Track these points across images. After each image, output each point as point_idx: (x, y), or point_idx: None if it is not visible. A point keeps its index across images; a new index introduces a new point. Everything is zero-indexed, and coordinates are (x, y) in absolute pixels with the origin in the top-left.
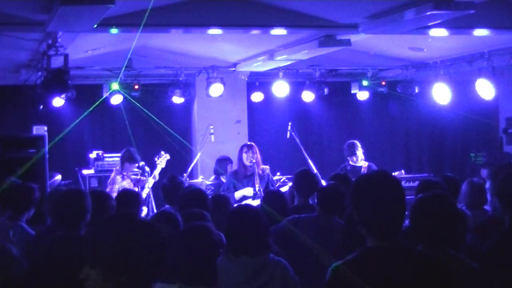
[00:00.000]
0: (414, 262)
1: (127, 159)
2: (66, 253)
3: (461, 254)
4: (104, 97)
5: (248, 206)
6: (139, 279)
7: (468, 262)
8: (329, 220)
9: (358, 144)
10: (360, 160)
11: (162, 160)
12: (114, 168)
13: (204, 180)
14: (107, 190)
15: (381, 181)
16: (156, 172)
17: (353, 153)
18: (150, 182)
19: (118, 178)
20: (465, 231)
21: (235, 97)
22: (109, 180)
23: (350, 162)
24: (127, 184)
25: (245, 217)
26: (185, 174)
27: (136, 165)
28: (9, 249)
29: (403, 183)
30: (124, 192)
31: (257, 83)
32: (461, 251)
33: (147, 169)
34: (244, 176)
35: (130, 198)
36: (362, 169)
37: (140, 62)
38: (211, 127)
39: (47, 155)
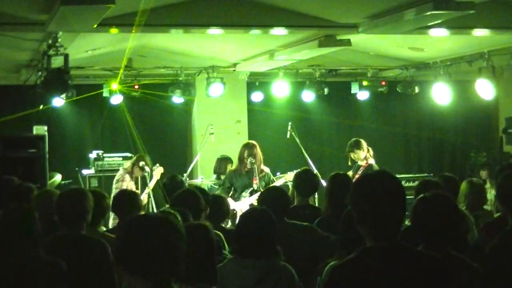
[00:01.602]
0: (414, 262)
1: (138, 165)
2: (69, 252)
3: (463, 254)
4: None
5: (260, 209)
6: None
7: (470, 263)
8: (279, 223)
9: (361, 143)
10: (363, 158)
11: (157, 173)
12: (121, 167)
13: (204, 180)
14: (115, 186)
15: (381, 180)
16: (151, 184)
17: (351, 151)
18: (146, 195)
19: (128, 177)
20: (466, 231)
21: (235, 97)
22: (119, 177)
23: (354, 160)
24: (133, 185)
25: (255, 219)
26: (185, 174)
27: (145, 173)
28: None
29: (402, 183)
30: (122, 194)
31: (257, 83)
32: (464, 251)
33: (147, 169)
34: (243, 173)
35: (128, 200)
36: (361, 167)
37: (140, 62)
38: (211, 127)
39: (47, 155)
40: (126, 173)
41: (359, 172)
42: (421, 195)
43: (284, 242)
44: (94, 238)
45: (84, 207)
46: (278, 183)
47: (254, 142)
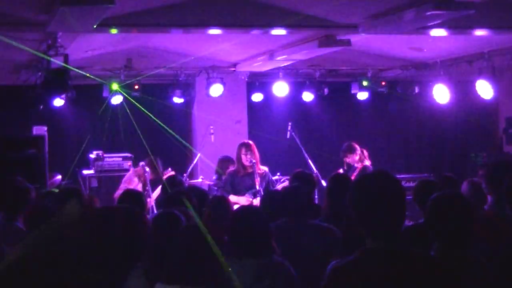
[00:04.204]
0: (414, 263)
1: (152, 167)
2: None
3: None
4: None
5: (251, 207)
6: None
7: (484, 261)
8: (301, 224)
9: (354, 146)
10: (357, 161)
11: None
12: (132, 168)
13: (204, 180)
14: (120, 187)
15: (381, 181)
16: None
17: (345, 156)
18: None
19: (136, 180)
20: None
21: (235, 97)
22: (125, 178)
23: (349, 163)
24: (140, 188)
25: (248, 218)
26: (185, 174)
27: (156, 176)
28: (4, 251)
29: (402, 183)
30: (125, 194)
31: (257, 83)
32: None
33: (147, 169)
34: (244, 174)
35: (131, 201)
36: (356, 170)
37: (140, 62)
38: (211, 127)
39: (47, 155)
40: (135, 176)
41: (355, 175)
42: (436, 195)
43: (304, 243)
44: None
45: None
46: (280, 187)
47: (250, 141)
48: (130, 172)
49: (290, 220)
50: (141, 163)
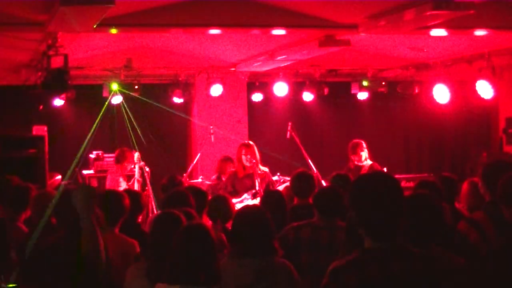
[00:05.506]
0: (413, 263)
1: (123, 158)
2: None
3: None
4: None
5: (254, 207)
6: None
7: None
8: (330, 224)
9: (363, 144)
10: (364, 160)
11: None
12: (108, 173)
13: (204, 180)
14: None
15: (380, 181)
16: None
17: (355, 153)
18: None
19: (121, 179)
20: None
21: (235, 97)
22: (109, 183)
23: (355, 162)
24: (125, 185)
25: (251, 218)
26: (185, 174)
27: (132, 164)
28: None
29: (402, 183)
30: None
31: (257, 83)
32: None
33: (147, 169)
34: (244, 175)
35: (130, 201)
36: (363, 169)
37: (140, 62)
38: (211, 127)
39: (47, 155)
40: (118, 176)
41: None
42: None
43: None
44: None
45: None
46: (280, 187)
47: (251, 142)
48: (111, 176)
49: (321, 219)
50: (142, 164)
